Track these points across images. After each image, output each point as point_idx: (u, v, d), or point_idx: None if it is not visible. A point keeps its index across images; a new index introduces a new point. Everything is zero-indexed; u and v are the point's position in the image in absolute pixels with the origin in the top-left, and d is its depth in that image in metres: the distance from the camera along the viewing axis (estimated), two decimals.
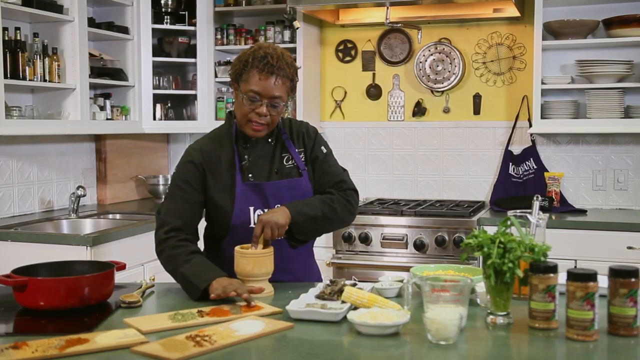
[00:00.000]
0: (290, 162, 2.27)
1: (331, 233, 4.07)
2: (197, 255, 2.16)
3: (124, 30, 4.33)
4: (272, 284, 2.17)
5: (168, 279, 2.36)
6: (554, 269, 1.72)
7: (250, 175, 2.24)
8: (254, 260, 2.09)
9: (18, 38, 3.57)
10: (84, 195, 4.06)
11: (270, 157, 2.27)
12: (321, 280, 2.40)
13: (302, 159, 2.29)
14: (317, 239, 4.13)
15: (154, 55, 4.47)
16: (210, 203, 2.25)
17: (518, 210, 2.00)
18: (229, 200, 2.21)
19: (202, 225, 2.35)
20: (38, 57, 3.67)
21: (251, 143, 2.26)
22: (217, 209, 2.24)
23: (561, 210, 4.11)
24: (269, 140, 2.28)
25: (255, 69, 2.13)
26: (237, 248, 2.12)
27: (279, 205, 2.20)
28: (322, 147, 2.33)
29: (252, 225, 2.21)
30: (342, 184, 2.29)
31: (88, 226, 3.96)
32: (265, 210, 2.21)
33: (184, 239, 2.18)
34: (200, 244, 2.31)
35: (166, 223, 2.19)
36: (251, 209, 2.22)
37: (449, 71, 4.50)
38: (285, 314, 1.86)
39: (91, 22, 4.06)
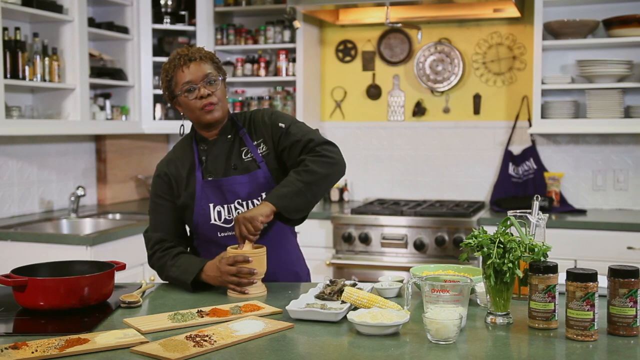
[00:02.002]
0: (248, 156, 2.28)
1: (331, 234, 4.07)
2: (181, 255, 2.25)
3: (124, 30, 4.34)
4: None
5: None
6: (553, 269, 1.72)
7: (209, 174, 2.27)
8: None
9: (18, 38, 3.57)
10: (84, 195, 4.06)
11: (227, 154, 2.29)
12: (305, 281, 2.40)
13: (262, 150, 2.28)
14: (316, 239, 4.15)
15: (154, 55, 4.47)
16: (180, 208, 2.30)
17: (518, 210, 2.00)
18: (192, 200, 2.26)
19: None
20: (38, 57, 3.68)
21: (209, 144, 2.30)
22: (184, 211, 2.29)
23: (561, 210, 4.12)
24: (228, 137, 2.30)
25: (177, 69, 2.21)
26: (229, 249, 2.14)
27: (239, 201, 2.24)
28: (280, 124, 2.29)
29: (212, 222, 2.24)
30: (310, 144, 2.23)
31: (88, 226, 3.97)
32: (225, 206, 2.24)
33: (168, 247, 2.28)
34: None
35: (150, 239, 2.31)
36: (211, 205, 2.24)
37: (449, 71, 4.50)
38: (285, 314, 1.87)
39: (91, 22, 4.07)
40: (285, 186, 2.17)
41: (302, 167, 2.19)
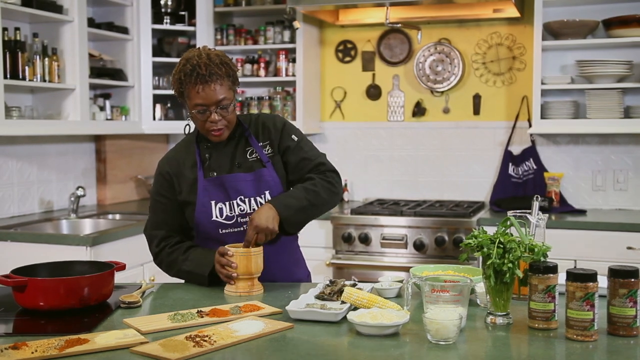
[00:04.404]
0: (253, 156, 2.29)
1: (331, 234, 4.07)
2: (192, 249, 2.27)
3: (124, 30, 4.34)
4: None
5: (168, 279, 2.38)
6: (553, 269, 1.72)
7: (212, 172, 2.27)
8: (246, 259, 2.10)
9: (18, 38, 3.57)
10: (84, 196, 4.06)
11: (232, 152, 2.29)
12: (303, 281, 2.41)
13: (268, 151, 2.30)
14: (316, 239, 4.15)
15: (154, 55, 4.47)
16: (181, 205, 2.30)
17: (518, 211, 2.00)
18: (193, 198, 2.26)
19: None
20: (38, 57, 3.68)
21: (213, 142, 2.30)
22: (186, 209, 2.30)
23: (561, 211, 4.11)
24: (232, 137, 2.30)
25: (190, 85, 2.15)
26: (227, 247, 2.15)
27: (241, 197, 2.23)
28: (292, 136, 2.32)
29: (213, 218, 2.24)
30: (321, 167, 2.30)
31: (88, 226, 3.97)
32: (227, 203, 2.24)
33: (176, 243, 2.30)
34: None
35: (154, 237, 2.32)
36: (212, 202, 2.24)
37: (449, 71, 4.50)
38: (285, 314, 1.87)
39: (91, 23, 4.07)
40: (292, 198, 2.20)
41: (310, 186, 2.23)
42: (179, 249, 2.27)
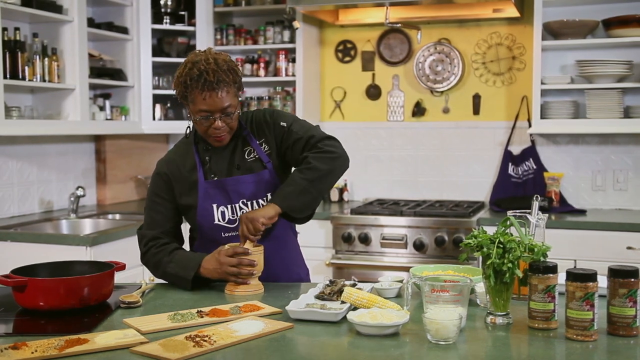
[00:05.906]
0: (252, 155, 2.27)
1: (331, 234, 4.07)
2: (177, 251, 2.24)
3: (124, 30, 4.33)
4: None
5: None
6: (553, 269, 1.72)
7: (212, 174, 2.26)
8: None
9: (17, 38, 3.57)
10: (84, 196, 4.06)
11: (231, 154, 2.28)
12: (305, 281, 2.41)
13: (266, 150, 2.28)
14: (316, 239, 4.15)
15: (154, 55, 4.47)
16: (180, 208, 2.30)
17: (517, 211, 2.00)
18: (195, 201, 2.25)
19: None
20: (37, 57, 3.67)
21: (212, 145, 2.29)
22: (186, 212, 2.29)
23: (561, 211, 4.11)
24: (231, 138, 2.29)
25: (196, 90, 2.12)
26: (228, 246, 2.15)
27: (244, 201, 2.23)
28: (282, 123, 2.29)
29: (216, 222, 2.24)
30: (312, 140, 2.25)
31: (87, 226, 3.97)
32: (229, 206, 2.23)
33: (163, 244, 2.27)
34: (185, 247, 2.37)
35: (144, 236, 2.30)
36: (214, 206, 2.23)
37: (449, 71, 4.50)
38: (285, 314, 1.87)
39: (91, 23, 4.06)
40: (289, 185, 2.18)
41: (304, 165, 2.20)
42: (164, 250, 2.24)
